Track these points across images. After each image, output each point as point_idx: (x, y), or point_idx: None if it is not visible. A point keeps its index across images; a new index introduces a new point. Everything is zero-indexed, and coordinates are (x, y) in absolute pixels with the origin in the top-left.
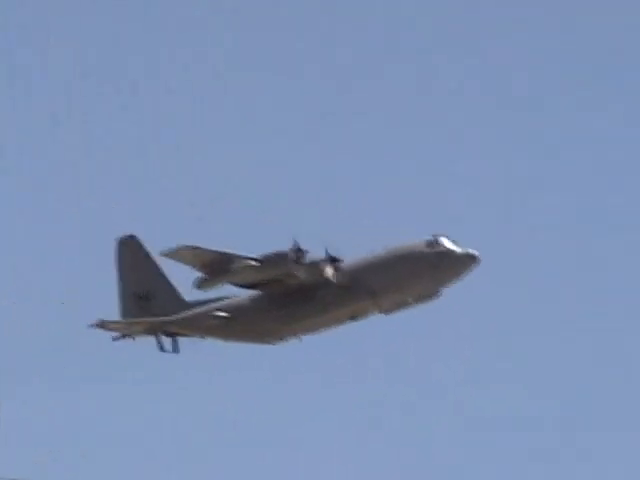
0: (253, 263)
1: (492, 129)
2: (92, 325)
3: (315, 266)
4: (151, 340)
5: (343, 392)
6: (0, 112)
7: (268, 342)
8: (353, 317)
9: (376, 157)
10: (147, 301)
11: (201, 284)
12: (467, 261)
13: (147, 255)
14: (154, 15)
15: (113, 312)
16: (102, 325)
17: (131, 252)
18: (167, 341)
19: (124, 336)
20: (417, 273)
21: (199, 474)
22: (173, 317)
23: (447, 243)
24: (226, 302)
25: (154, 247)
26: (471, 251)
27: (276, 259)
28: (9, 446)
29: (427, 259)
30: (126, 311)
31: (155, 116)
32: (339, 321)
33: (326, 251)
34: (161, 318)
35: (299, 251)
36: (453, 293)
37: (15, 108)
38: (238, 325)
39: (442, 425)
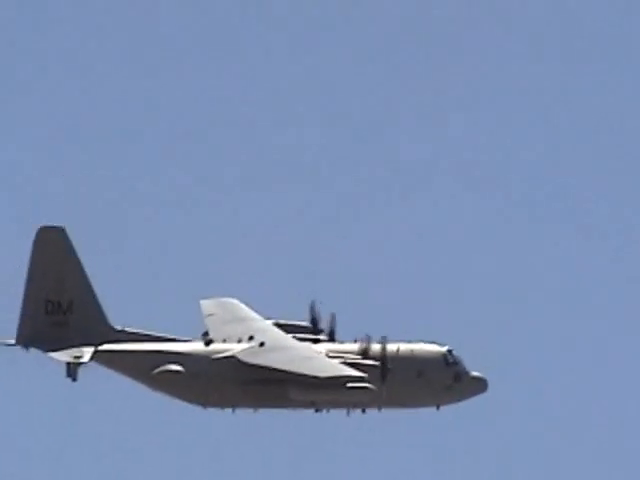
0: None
1: None
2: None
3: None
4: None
5: None
6: None
7: (207, 406)
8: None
9: None
10: (62, 314)
11: None
12: (479, 387)
13: (74, 255)
14: None
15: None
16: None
17: (54, 247)
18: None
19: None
20: (428, 391)
21: None
22: (111, 347)
23: (462, 362)
24: (180, 350)
25: (86, 248)
26: (482, 376)
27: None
28: None
29: (443, 379)
30: (28, 320)
31: None
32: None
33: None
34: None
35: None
36: None
37: None
38: (191, 385)
39: None
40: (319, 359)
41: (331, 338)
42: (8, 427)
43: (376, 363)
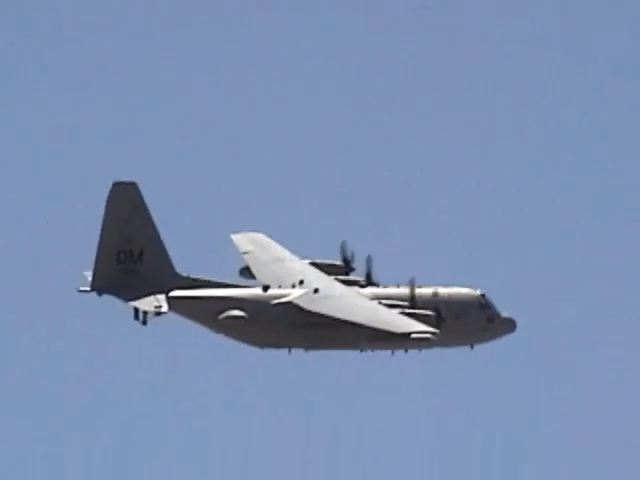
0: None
1: None
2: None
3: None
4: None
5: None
6: None
7: (265, 347)
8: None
9: None
10: (133, 263)
11: None
12: (509, 328)
13: (145, 208)
14: None
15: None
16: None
17: (126, 201)
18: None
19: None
20: (465, 333)
21: None
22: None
23: (494, 305)
24: (242, 295)
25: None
26: (512, 317)
27: None
28: None
29: (480, 321)
30: (101, 269)
31: None
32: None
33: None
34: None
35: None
36: None
37: None
38: (253, 330)
39: None
40: (384, 312)
41: (368, 280)
42: (83, 367)
43: (431, 313)
